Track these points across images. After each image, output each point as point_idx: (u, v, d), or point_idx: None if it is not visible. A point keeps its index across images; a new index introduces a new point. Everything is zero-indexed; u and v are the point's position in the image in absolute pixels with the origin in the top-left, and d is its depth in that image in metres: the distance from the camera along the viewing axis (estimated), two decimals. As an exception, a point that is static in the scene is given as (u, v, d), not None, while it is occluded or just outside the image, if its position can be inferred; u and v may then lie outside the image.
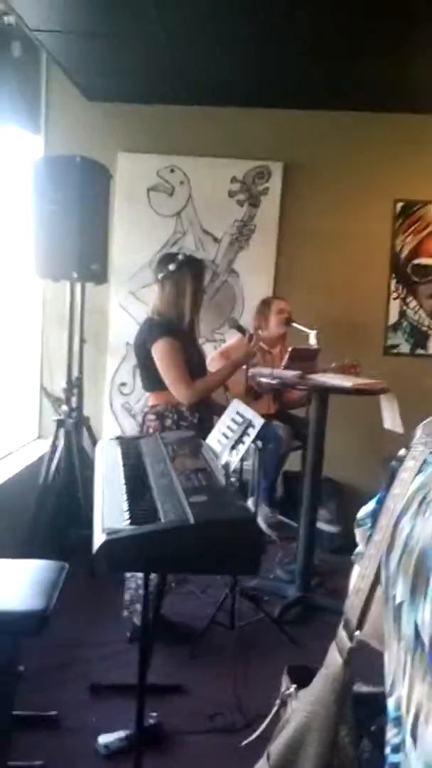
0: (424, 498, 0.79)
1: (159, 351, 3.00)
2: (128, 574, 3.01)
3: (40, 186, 3.64)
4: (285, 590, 3.64)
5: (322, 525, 4.24)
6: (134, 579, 3.03)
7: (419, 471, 0.83)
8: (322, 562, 3.88)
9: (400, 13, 3.18)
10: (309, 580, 3.61)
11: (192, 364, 3.06)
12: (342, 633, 0.88)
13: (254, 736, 1.09)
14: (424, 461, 0.83)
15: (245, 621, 3.26)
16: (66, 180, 3.60)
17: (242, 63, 3.94)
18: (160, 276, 3.08)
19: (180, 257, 3.12)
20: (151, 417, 3.08)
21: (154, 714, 2.49)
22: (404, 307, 4.96)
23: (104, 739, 2.40)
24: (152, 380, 3.09)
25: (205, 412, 3.10)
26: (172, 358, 2.99)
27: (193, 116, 4.72)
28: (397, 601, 0.78)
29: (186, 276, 3.05)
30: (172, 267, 3.05)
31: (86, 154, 3.73)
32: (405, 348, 4.97)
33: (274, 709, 1.01)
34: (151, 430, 3.01)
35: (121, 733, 2.41)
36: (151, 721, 2.45)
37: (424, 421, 0.88)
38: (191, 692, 2.80)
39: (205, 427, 2.90)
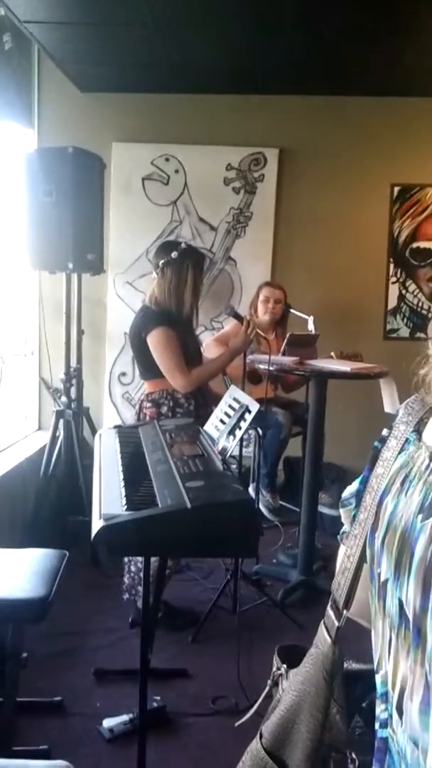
0: (406, 476, 0.80)
1: (154, 340, 2.99)
2: (127, 558, 3.03)
3: (33, 178, 3.62)
4: (287, 574, 3.66)
5: (324, 509, 4.25)
6: (134, 562, 3.06)
7: (401, 450, 0.84)
8: (324, 545, 3.89)
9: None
10: (311, 563, 3.63)
11: (188, 353, 3.05)
12: (330, 612, 0.90)
13: (247, 716, 1.11)
14: (406, 440, 0.84)
15: (248, 605, 3.28)
16: (59, 171, 3.58)
17: (235, 49, 3.92)
18: (160, 263, 3.03)
19: (182, 245, 3.08)
20: (148, 404, 3.09)
21: (158, 698, 2.52)
22: (403, 291, 4.95)
23: (108, 722, 2.43)
24: (148, 368, 3.09)
25: (201, 400, 3.11)
26: (168, 347, 2.99)
27: (187, 104, 4.70)
28: (382, 578, 0.79)
29: (188, 264, 3.02)
30: (174, 254, 3.01)
31: (80, 145, 3.72)
32: (405, 332, 4.97)
33: (266, 689, 1.03)
34: (147, 418, 3.03)
35: (124, 717, 2.44)
36: (155, 704, 2.48)
37: (407, 401, 0.88)
38: (194, 676, 2.83)
39: (200, 414, 2.91)
